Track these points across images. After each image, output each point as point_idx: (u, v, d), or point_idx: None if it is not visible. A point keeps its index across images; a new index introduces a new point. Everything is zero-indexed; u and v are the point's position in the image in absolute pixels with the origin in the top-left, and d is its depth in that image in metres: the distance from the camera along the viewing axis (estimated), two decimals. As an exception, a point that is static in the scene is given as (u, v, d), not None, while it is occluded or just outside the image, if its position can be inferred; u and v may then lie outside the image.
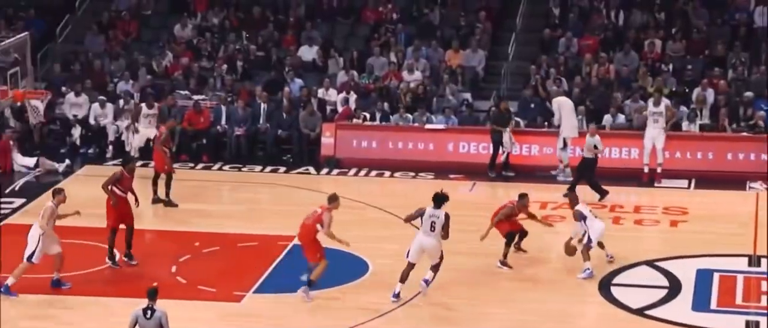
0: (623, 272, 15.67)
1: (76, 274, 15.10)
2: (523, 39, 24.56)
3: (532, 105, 22.00)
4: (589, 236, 15.50)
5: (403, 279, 14.57)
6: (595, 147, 18.79)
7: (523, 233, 16.25)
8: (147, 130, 19.94)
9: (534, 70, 22.81)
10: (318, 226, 14.38)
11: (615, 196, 19.26)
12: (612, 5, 24.55)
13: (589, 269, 15.43)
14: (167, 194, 18.00)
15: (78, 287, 14.85)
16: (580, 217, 15.56)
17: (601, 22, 24.29)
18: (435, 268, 14.80)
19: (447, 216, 14.47)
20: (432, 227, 14.46)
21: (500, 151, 20.33)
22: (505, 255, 15.92)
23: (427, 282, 14.73)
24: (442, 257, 14.79)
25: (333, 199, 14.54)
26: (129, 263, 15.50)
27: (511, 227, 16.06)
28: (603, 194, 18.90)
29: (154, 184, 17.98)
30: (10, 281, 14.18)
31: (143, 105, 20.23)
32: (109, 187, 15.31)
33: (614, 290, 15.09)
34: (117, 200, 15.30)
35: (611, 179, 19.72)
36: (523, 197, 16.15)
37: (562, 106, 20.21)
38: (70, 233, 15.19)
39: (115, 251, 15.46)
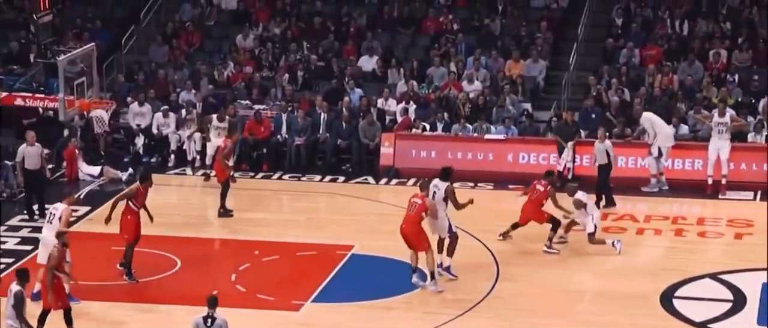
0: (686, 284, 15.48)
1: (142, 280, 15.32)
2: (585, 49, 24.41)
3: (593, 115, 21.83)
4: (594, 224, 16.17)
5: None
6: (607, 153, 18.63)
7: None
8: (217, 140, 20.11)
9: (594, 80, 22.65)
10: (423, 214, 14.93)
11: (678, 207, 19.04)
12: (676, 15, 24.27)
13: (616, 241, 16.31)
14: (222, 204, 18.00)
15: (139, 294, 15.09)
16: (581, 205, 16.18)
17: (664, 32, 24.04)
18: (449, 251, 15.21)
19: (447, 189, 15.28)
20: (433, 197, 15.15)
21: (560, 165, 20.15)
22: (550, 239, 16.51)
23: (446, 269, 15.26)
24: (455, 237, 15.27)
25: (424, 186, 15.35)
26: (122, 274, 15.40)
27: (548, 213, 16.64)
28: (611, 203, 18.67)
29: (222, 197, 17.98)
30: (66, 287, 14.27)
31: (214, 117, 20.38)
32: (124, 202, 15.33)
33: (677, 303, 14.91)
34: (131, 215, 15.30)
35: (675, 191, 19.49)
36: (550, 174, 16.70)
37: (653, 121, 20.01)
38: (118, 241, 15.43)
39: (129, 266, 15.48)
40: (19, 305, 12.03)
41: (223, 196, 18.07)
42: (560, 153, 20.39)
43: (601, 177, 18.87)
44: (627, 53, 23.54)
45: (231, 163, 18.45)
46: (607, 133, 21.15)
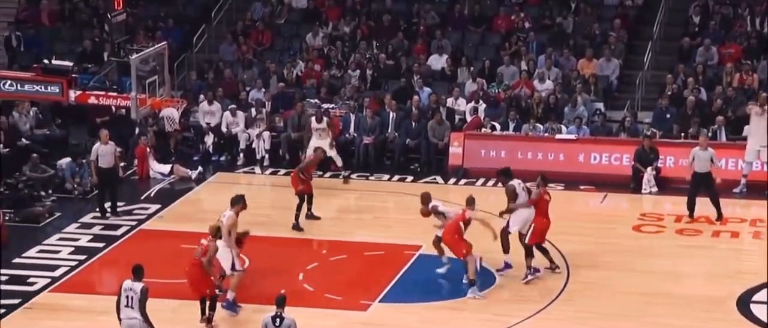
0: (764, 289, 15.18)
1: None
2: (660, 47, 24.09)
3: (668, 115, 21.54)
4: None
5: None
6: (712, 161, 18.17)
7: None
8: (318, 141, 20.23)
9: (670, 79, 22.33)
10: (461, 224, 15.03)
11: (757, 210, 18.67)
12: (756, 12, 23.81)
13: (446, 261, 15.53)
14: (297, 217, 17.61)
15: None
16: (513, 193, 15.56)
17: (743, 30, 23.59)
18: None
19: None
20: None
21: (645, 189, 19.86)
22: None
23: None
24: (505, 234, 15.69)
25: (470, 202, 15.40)
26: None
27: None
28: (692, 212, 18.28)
29: (298, 209, 17.63)
30: (230, 295, 14.52)
31: (313, 119, 20.51)
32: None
33: (754, 308, 14.67)
34: None
35: (754, 192, 19.15)
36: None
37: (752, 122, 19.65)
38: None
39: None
40: (145, 301, 12.30)
41: (299, 208, 17.54)
42: (634, 177, 20.01)
43: (701, 185, 18.20)
44: (704, 51, 23.16)
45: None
46: (683, 134, 20.90)
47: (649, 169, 19.97)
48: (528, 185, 16.01)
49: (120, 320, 12.62)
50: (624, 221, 18.40)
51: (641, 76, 23.11)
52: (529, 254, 15.53)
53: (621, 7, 24.92)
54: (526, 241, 15.55)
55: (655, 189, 19.84)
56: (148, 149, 20.88)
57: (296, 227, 17.51)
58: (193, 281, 14.05)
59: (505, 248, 15.67)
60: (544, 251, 15.79)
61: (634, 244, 17.33)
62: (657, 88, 22.78)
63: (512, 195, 15.55)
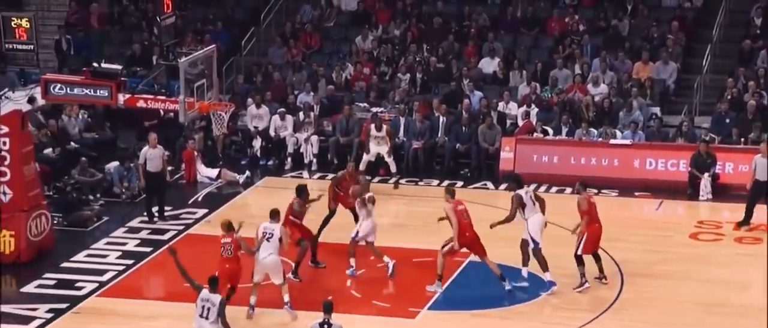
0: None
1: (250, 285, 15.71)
2: (720, 50, 23.88)
3: (727, 120, 21.34)
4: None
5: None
6: None
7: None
8: (376, 148, 20.46)
9: (731, 83, 22.12)
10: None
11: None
12: (822, 14, 23.54)
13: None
14: (319, 231, 17.17)
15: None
16: (519, 202, 15.36)
17: (807, 32, 23.33)
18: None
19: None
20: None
21: (702, 196, 19.68)
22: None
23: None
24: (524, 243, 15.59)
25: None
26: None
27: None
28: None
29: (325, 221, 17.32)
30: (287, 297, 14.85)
31: (372, 126, 20.64)
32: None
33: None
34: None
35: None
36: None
37: None
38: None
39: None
40: (223, 314, 12.51)
41: (325, 222, 17.09)
42: (691, 183, 19.83)
43: (761, 194, 18.05)
44: (766, 55, 22.91)
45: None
46: (743, 139, 20.69)
47: (705, 175, 19.81)
48: (533, 192, 15.97)
49: None
50: (680, 228, 18.28)
51: (700, 80, 22.92)
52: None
53: (679, 9, 24.75)
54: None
55: (711, 196, 19.67)
56: (195, 153, 21.13)
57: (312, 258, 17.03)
58: (228, 276, 14.33)
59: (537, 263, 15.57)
60: (597, 259, 15.73)
61: (691, 252, 17.21)
62: (716, 92, 22.58)
63: (517, 203, 15.40)
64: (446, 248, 15.42)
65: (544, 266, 15.42)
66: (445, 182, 20.90)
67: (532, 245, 15.43)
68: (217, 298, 12.56)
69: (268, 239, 14.59)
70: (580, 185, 15.86)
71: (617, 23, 24.45)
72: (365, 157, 20.64)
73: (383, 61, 24.28)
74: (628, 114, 21.74)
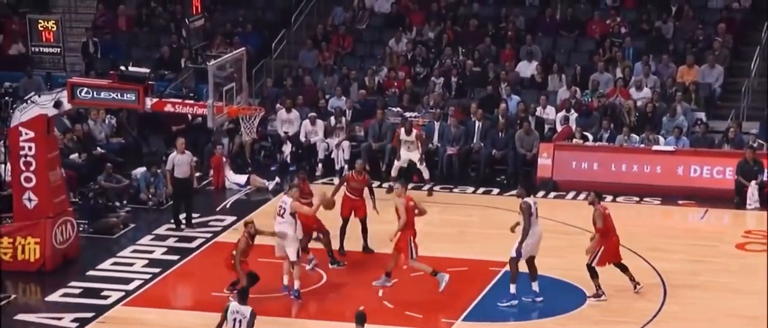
0: None
1: (282, 295, 15.71)
2: (769, 53, 23.65)
3: (777, 126, 21.10)
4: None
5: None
6: None
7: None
8: (408, 154, 20.39)
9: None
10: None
11: None
12: None
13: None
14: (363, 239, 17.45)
15: (284, 308, 15.45)
16: (528, 212, 15.08)
17: None
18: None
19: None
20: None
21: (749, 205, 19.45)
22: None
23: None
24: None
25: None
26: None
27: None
28: None
29: (363, 232, 17.39)
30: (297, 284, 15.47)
31: (402, 130, 20.59)
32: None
33: None
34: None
35: None
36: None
37: None
38: (272, 253, 15.84)
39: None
40: (253, 325, 12.65)
41: (364, 231, 17.28)
42: (738, 192, 19.60)
43: None
44: (816, 57, 22.67)
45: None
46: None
47: (753, 183, 19.56)
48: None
49: None
50: (726, 238, 18.07)
51: (747, 84, 22.68)
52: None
53: (726, 10, 24.51)
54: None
55: (759, 204, 19.42)
56: (224, 159, 21.17)
57: (366, 248, 17.34)
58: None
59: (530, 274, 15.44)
60: (625, 269, 15.53)
61: (737, 263, 17.00)
62: (764, 96, 22.36)
63: (528, 213, 15.16)
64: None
65: (514, 279, 15.26)
66: (481, 190, 20.84)
67: (514, 255, 15.21)
68: (247, 309, 12.62)
69: (281, 215, 15.25)
70: (594, 194, 15.44)
71: (661, 25, 24.26)
72: (396, 164, 20.58)
73: (418, 62, 24.23)
74: (672, 119, 21.54)
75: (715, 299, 15.60)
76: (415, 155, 20.44)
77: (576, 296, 15.55)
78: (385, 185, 20.25)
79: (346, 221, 17.16)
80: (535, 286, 15.42)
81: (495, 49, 24.34)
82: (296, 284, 15.39)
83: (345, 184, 17.36)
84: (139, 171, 20.31)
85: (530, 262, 15.38)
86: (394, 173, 20.50)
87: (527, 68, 23.81)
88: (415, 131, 20.63)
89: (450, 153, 21.51)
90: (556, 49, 24.53)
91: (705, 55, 23.21)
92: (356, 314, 12.46)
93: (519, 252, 15.19)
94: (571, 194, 20.53)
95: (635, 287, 15.59)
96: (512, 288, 15.32)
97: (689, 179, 20.43)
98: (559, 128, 21.85)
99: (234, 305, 12.72)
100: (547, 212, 16.94)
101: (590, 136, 21.48)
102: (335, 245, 16.94)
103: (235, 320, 12.60)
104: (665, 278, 16.25)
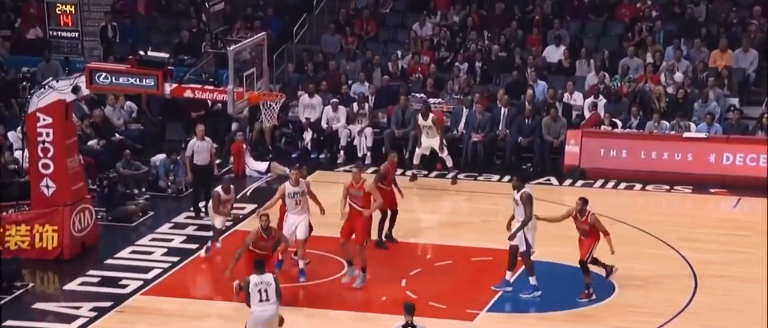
0: None
1: (306, 284, 15.77)
2: (806, 36, 23.43)
3: (812, 112, 20.93)
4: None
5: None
6: None
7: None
8: (428, 140, 20.21)
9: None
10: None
11: None
12: None
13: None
14: (380, 233, 17.24)
15: (306, 298, 15.52)
16: (530, 202, 15.16)
17: None
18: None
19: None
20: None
21: None
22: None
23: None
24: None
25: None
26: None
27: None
28: None
29: (380, 225, 17.22)
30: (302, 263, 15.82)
31: (420, 116, 20.42)
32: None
33: None
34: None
35: None
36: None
37: None
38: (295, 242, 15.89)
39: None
40: (279, 288, 13.18)
41: (381, 223, 17.14)
42: None
43: None
44: None
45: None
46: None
47: None
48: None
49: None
50: (760, 227, 17.95)
51: (783, 69, 22.50)
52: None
53: (761, -8, 24.34)
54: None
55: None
56: (244, 146, 21.23)
57: (380, 244, 17.14)
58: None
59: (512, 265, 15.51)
60: (595, 262, 15.50)
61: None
62: (800, 81, 22.17)
63: (530, 202, 15.16)
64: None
65: (531, 271, 15.32)
66: (506, 178, 20.78)
67: (524, 248, 15.23)
68: (269, 276, 12.99)
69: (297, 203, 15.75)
70: (581, 201, 15.17)
71: (693, 8, 24.10)
72: (418, 151, 20.47)
73: (443, 45, 24.19)
74: (704, 105, 21.42)
75: (748, 290, 15.54)
76: (436, 142, 20.22)
77: (603, 286, 15.52)
78: (408, 172, 20.27)
79: (384, 213, 17.09)
80: (509, 275, 15.58)
81: (521, 34, 24.26)
82: (301, 264, 15.72)
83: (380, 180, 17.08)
84: (159, 158, 20.40)
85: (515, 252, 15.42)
86: (416, 160, 20.48)
87: (554, 53, 23.72)
88: (431, 115, 20.41)
89: (475, 140, 21.47)
90: (584, 34, 24.42)
91: (739, 38, 23.04)
92: (405, 304, 12.69)
93: (528, 244, 15.22)
94: (599, 182, 20.47)
95: (610, 271, 15.58)
96: (532, 280, 15.35)
97: (721, 167, 20.33)
98: (587, 115, 21.77)
99: (254, 277, 12.97)
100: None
101: (619, 123, 21.40)
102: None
103: (260, 290, 12.92)
104: (696, 268, 16.22)
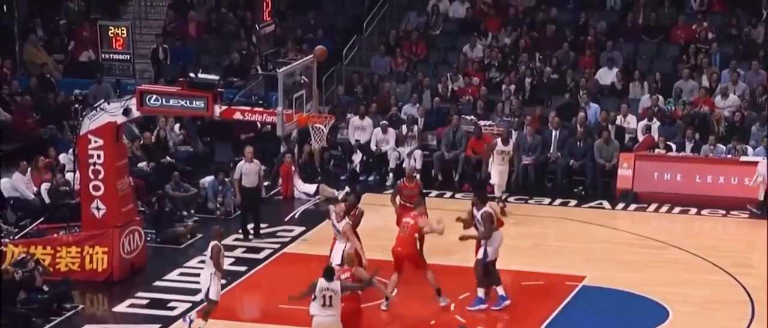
0: None
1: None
2: None
3: None
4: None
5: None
6: None
7: None
8: (500, 167, 19.82)
9: None
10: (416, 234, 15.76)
11: None
12: None
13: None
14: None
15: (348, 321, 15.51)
16: (490, 221, 15.29)
17: None
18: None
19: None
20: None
21: None
22: None
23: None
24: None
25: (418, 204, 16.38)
26: None
27: None
28: None
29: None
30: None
31: (498, 141, 20.09)
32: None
33: None
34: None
35: None
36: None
37: None
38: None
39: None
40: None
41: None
42: None
43: None
44: None
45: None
46: None
47: None
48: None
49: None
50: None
51: (844, 91, 22.21)
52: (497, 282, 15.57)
53: (821, 13, 24.10)
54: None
55: None
56: (293, 168, 21.38)
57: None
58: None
59: (496, 280, 15.58)
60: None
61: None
62: None
63: (490, 221, 15.34)
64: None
65: (482, 283, 15.49)
66: (557, 201, 20.71)
67: (480, 257, 15.42)
68: (337, 285, 13.47)
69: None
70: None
71: (750, 30, 23.90)
72: (497, 183, 19.74)
73: (494, 66, 24.20)
74: (762, 129, 21.22)
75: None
76: (506, 169, 19.87)
77: (656, 311, 15.39)
78: (499, 204, 19.72)
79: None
80: (500, 290, 15.64)
81: (573, 56, 24.22)
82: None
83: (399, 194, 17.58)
84: (207, 180, 20.60)
85: (492, 266, 15.49)
86: (498, 192, 19.72)
87: (607, 75, 23.64)
88: (511, 141, 20.13)
89: (526, 163, 21.44)
90: (637, 56, 24.32)
91: (798, 61, 22.85)
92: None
93: (486, 254, 15.44)
94: (653, 207, 20.32)
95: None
96: (480, 292, 15.53)
97: (779, 192, 20.10)
98: (640, 138, 21.66)
99: (322, 282, 13.49)
100: (626, 224, 16.86)
101: (673, 146, 21.26)
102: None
103: (324, 296, 13.50)
104: (752, 295, 16.01)
